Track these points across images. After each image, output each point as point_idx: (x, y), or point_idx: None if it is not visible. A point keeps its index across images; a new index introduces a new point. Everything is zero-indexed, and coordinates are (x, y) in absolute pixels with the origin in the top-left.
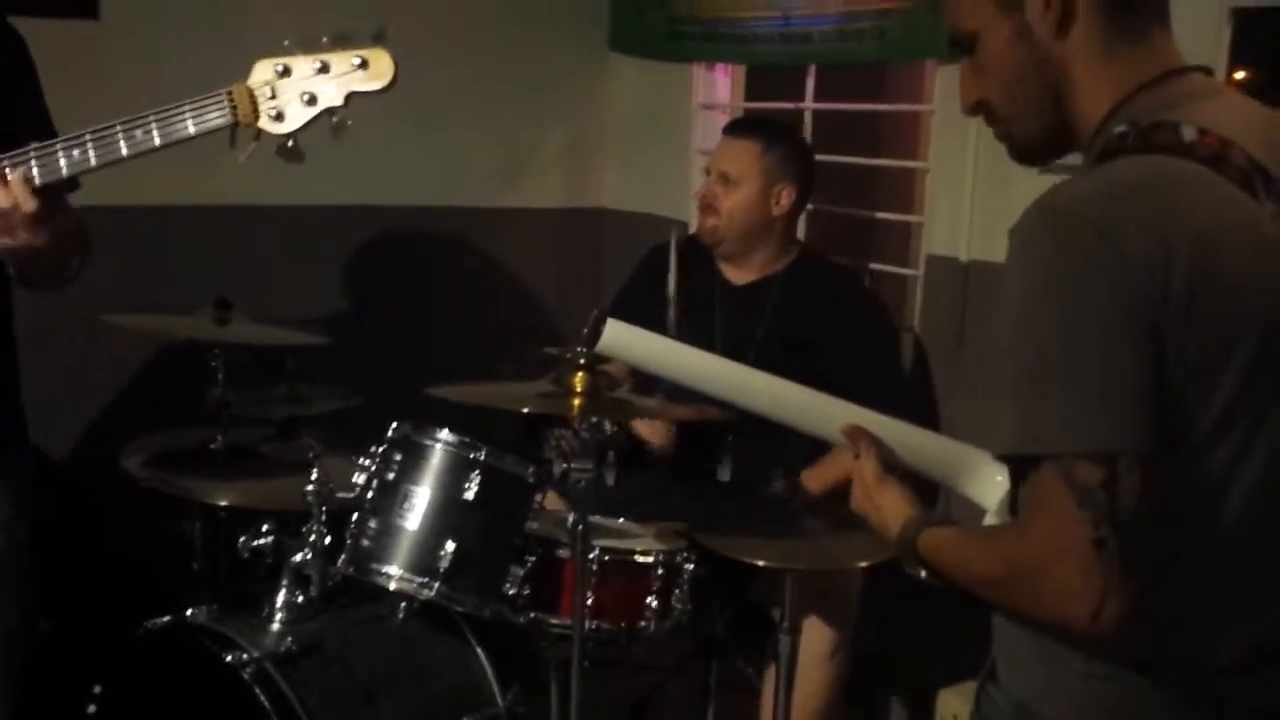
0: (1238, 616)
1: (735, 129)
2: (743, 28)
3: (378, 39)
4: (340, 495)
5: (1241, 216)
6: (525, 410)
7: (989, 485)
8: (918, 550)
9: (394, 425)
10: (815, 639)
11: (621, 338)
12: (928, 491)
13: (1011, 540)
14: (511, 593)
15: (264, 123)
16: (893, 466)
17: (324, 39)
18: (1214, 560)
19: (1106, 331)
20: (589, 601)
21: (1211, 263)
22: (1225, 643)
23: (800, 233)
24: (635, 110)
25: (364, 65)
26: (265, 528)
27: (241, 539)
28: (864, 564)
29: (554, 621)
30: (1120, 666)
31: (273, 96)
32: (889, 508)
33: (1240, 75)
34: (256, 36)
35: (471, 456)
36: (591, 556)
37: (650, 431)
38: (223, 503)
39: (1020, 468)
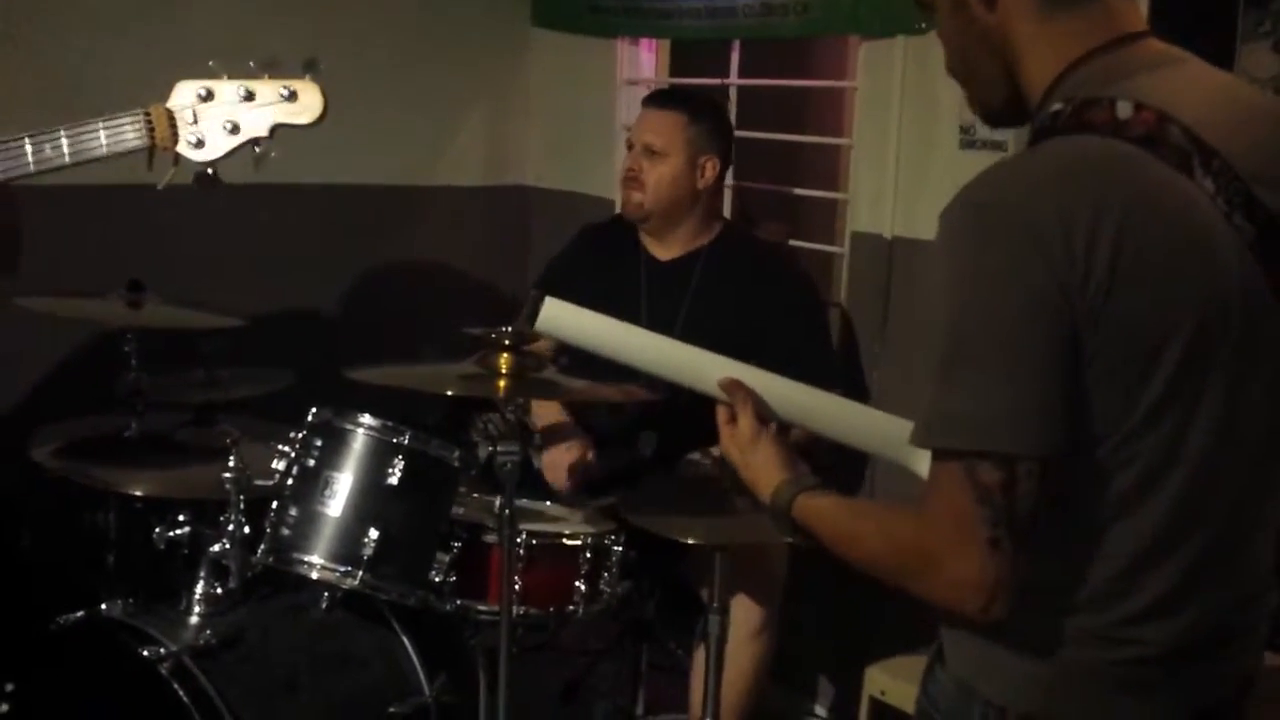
0: (1176, 602)
1: (658, 100)
2: (667, 2)
3: (308, 69)
4: (259, 483)
5: (1172, 200)
6: (449, 393)
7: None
8: (792, 514)
9: (314, 410)
10: (742, 617)
11: (560, 316)
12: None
13: (910, 526)
14: (438, 580)
15: (182, 148)
16: (768, 422)
17: (251, 64)
18: (1149, 547)
19: (1021, 336)
20: (517, 587)
21: (1138, 251)
22: (1163, 627)
23: (726, 210)
24: (559, 86)
25: (292, 97)
26: (182, 518)
27: (157, 530)
28: (791, 540)
29: (481, 608)
30: (1056, 647)
31: (194, 121)
32: (761, 466)
33: None
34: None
35: (394, 441)
36: (519, 541)
37: (551, 471)
38: (138, 492)
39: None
